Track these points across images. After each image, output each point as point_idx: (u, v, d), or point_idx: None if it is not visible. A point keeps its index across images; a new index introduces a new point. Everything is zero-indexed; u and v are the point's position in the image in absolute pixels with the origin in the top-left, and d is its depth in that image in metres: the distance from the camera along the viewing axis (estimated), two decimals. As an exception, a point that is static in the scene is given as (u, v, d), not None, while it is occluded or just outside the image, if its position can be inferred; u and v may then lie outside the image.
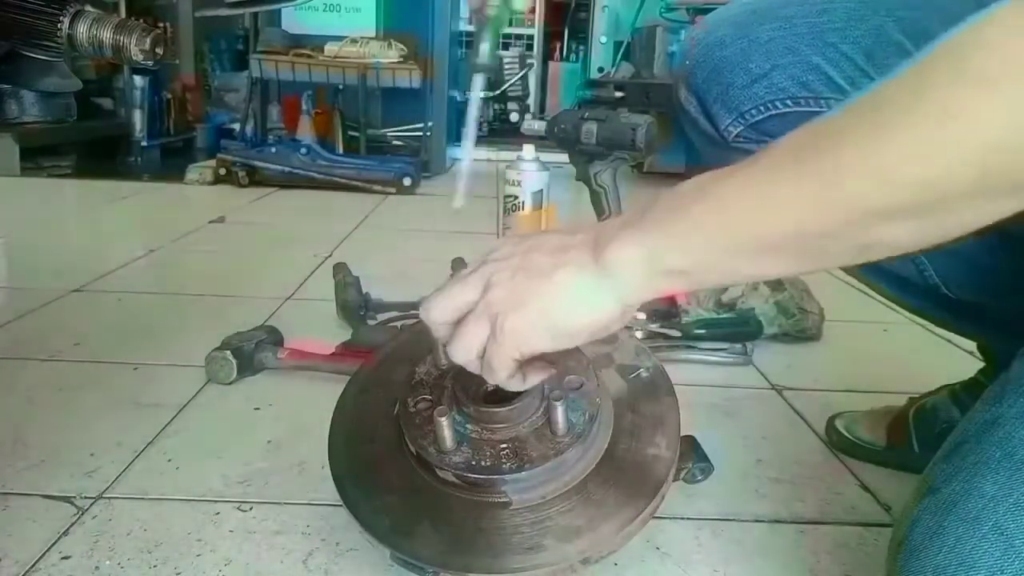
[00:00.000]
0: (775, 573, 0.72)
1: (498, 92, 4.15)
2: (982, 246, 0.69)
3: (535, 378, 0.58)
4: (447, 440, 0.59)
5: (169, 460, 0.87)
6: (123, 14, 1.99)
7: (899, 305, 0.88)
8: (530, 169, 1.42)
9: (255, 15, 3.27)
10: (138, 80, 3.70)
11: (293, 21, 3.30)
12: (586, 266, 0.49)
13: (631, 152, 1.29)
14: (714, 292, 1.27)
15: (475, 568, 0.58)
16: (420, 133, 3.37)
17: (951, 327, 0.93)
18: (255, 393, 1.05)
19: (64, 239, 2.12)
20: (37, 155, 3.21)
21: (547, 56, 5.31)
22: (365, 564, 0.69)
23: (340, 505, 0.65)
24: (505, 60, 4.16)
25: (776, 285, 1.29)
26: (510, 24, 0.91)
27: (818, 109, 0.70)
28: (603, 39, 4.00)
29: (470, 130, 0.98)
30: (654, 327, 1.24)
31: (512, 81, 4.19)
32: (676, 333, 1.24)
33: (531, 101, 4.70)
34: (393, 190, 2.87)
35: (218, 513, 0.76)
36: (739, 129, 0.74)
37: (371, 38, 3.20)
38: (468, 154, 1.12)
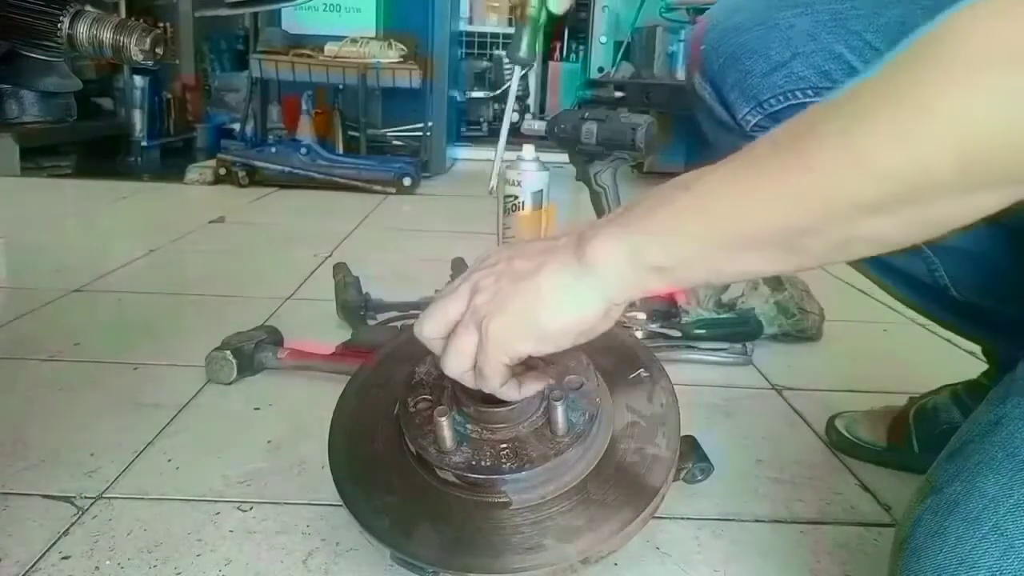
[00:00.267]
0: (775, 573, 0.71)
1: (498, 92, 4.15)
2: (995, 248, 0.69)
3: (531, 388, 0.57)
4: (447, 440, 0.59)
5: (169, 460, 0.87)
6: (123, 14, 1.99)
7: (907, 305, 0.87)
8: (530, 169, 1.42)
9: (255, 15, 3.27)
10: (138, 80, 3.70)
11: (293, 21, 3.30)
12: (568, 265, 0.49)
13: (631, 152, 1.29)
14: (714, 292, 1.27)
15: (475, 568, 0.58)
16: (420, 133, 3.37)
17: (957, 330, 0.92)
18: (255, 393, 1.05)
19: (64, 239, 2.12)
20: (37, 155, 3.21)
21: (547, 56, 5.30)
22: (365, 564, 0.69)
23: (340, 505, 0.65)
24: (505, 60, 4.16)
25: (776, 285, 1.29)
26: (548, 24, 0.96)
27: None
28: (603, 39, 4.00)
29: (506, 116, 1.01)
30: (654, 327, 1.24)
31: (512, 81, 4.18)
32: (676, 333, 1.24)
33: (531, 101, 4.71)
34: (393, 190, 2.87)
35: (218, 513, 0.76)
36: (757, 118, 0.72)
37: (371, 38, 3.20)
38: (503, 138, 1.14)
